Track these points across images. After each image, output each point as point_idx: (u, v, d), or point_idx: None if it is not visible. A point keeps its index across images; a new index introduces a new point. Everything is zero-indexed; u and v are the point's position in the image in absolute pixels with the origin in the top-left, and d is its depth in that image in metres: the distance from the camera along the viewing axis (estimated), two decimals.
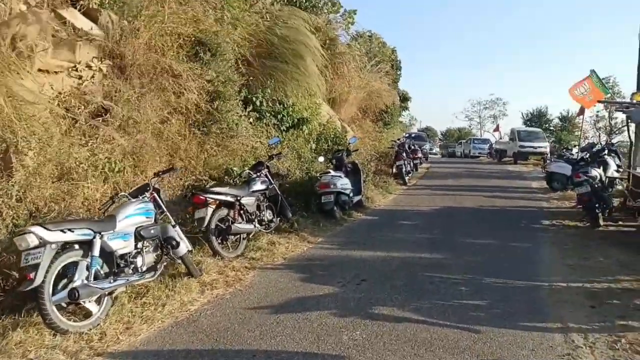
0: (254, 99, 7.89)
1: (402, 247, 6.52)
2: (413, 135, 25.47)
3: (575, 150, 17.65)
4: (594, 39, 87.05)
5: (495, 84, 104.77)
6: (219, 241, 5.70)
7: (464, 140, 41.75)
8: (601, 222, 7.80)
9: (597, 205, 7.81)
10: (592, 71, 12.44)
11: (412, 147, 18.37)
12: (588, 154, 10.99)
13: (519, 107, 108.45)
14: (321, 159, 8.96)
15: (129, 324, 3.88)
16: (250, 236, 6.19)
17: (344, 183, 8.30)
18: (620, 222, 8.16)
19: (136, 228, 4.31)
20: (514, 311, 4.21)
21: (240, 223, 5.88)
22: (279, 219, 6.84)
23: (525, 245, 6.69)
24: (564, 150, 16.29)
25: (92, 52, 6.45)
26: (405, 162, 14.18)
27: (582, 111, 13.60)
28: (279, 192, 6.99)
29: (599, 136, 28.49)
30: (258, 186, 6.38)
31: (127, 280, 4.06)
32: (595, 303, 4.43)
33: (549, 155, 22.52)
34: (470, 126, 62.78)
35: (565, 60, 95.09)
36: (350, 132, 14.57)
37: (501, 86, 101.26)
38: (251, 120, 7.92)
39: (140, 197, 4.65)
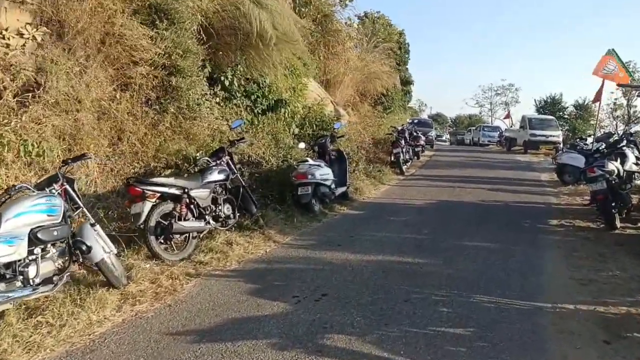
0: (222, 77, 6.91)
1: (382, 249, 5.60)
2: (417, 121, 24.25)
3: (590, 140, 16.47)
4: (612, 26, 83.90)
5: (509, 69, 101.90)
6: (161, 241, 4.83)
7: (474, 128, 40.32)
8: (618, 224, 6.78)
9: (613, 204, 6.78)
10: (612, 50, 11.17)
11: (414, 134, 17.32)
12: (604, 145, 9.90)
13: (532, 94, 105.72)
14: (302, 145, 8.00)
15: (5, 353, 3.02)
16: (203, 235, 5.30)
17: (324, 173, 7.36)
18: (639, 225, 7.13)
19: (31, 229, 3.42)
20: (505, 346, 3.28)
21: (187, 220, 4.98)
22: (240, 214, 5.92)
23: (528, 251, 5.72)
24: (578, 140, 15.09)
25: (25, 17, 5.54)
26: (404, 150, 13.14)
27: (598, 97, 12.38)
28: (243, 184, 6.06)
29: (616, 125, 26.94)
30: (215, 176, 5.46)
31: (8, 296, 3.19)
32: (610, 336, 3.48)
33: (561, 145, 21.31)
34: (480, 113, 61.19)
35: (582, 46, 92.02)
36: (345, 116, 13.58)
37: (513, 72, 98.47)
38: (218, 100, 6.97)
39: (47, 190, 3.76)
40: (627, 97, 25.52)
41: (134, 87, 6.07)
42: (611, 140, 11.55)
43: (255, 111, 7.43)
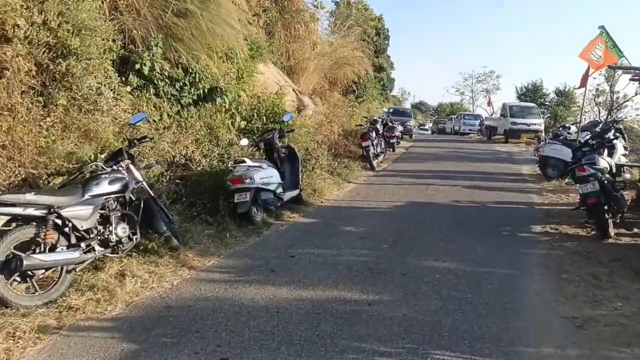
0: (137, 60, 5.57)
1: (325, 276, 4.42)
2: (393, 110, 23.10)
3: (573, 128, 15.56)
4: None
5: (492, 55, 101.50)
6: (17, 280, 3.56)
7: (454, 116, 39.42)
8: (612, 232, 5.73)
9: (606, 207, 5.72)
10: (602, 28, 10.07)
11: (390, 124, 16.19)
12: (590, 135, 8.90)
13: (512, 80, 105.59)
14: (244, 142, 6.74)
15: None
16: (85, 266, 4.03)
17: (266, 175, 6.13)
18: (635, 230, 6.10)
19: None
20: None
21: (54, 250, 3.70)
22: (145, 234, 4.64)
23: (507, 275, 4.61)
24: (561, 128, 14.15)
25: None
26: (375, 142, 11.97)
27: (584, 83, 11.36)
28: (152, 194, 4.78)
29: (599, 112, 26.20)
30: (104, 188, 4.16)
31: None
32: None
33: (543, 133, 20.44)
34: (462, 101, 60.47)
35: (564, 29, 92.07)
36: (310, 106, 12.32)
37: (496, 57, 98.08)
38: (131, 89, 5.64)
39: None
40: (610, 83, 24.72)
41: (9, 72, 4.73)
42: (597, 129, 10.58)
43: (182, 102, 6.10)
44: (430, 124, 51.15)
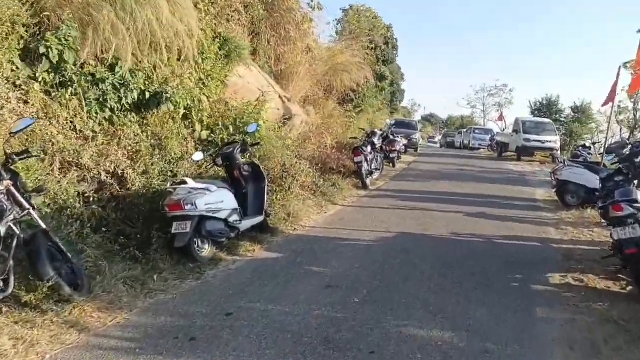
0: (45, 49, 4.38)
1: (258, 353, 3.16)
2: (397, 122, 21.83)
3: (593, 149, 14.19)
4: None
5: (504, 70, 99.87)
6: None
7: (464, 130, 37.98)
8: None
9: None
10: None
11: (391, 137, 14.94)
12: (619, 159, 7.57)
13: (526, 95, 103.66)
14: (198, 156, 5.54)
15: None
16: None
17: (214, 200, 4.90)
18: None
19: None
20: None
21: None
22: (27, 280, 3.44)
23: (514, 355, 3.30)
24: (580, 148, 12.77)
25: None
26: (369, 157, 10.71)
27: (611, 98, 9.99)
28: (43, 226, 3.59)
29: (620, 130, 24.57)
30: None
31: None
32: None
33: (558, 152, 19.02)
34: (472, 114, 59.12)
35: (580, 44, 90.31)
36: (299, 115, 11.13)
37: (510, 73, 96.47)
38: (42, 87, 4.46)
39: None
40: (633, 100, 23.08)
41: None
42: (625, 151, 9.21)
43: (111, 106, 4.87)
44: (440, 137, 49.81)
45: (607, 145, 10.22)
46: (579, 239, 6.75)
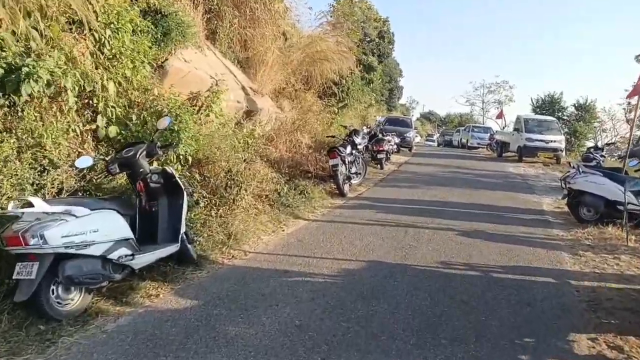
0: None
1: None
2: (389, 119, 20.27)
3: (606, 150, 12.65)
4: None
5: (505, 66, 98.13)
6: None
7: (462, 128, 36.42)
8: None
9: None
10: None
11: (379, 136, 13.43)
12: None
13: (527, 94, 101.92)
14: (85, 161, 3.95)
15: None
16: None
17: (78, 231, 3.30)
18: None
19: None
20: None
21: None
22: None
23: None
24: (592, 150, 11.23)
25: None
26: (348, 160, 9.15)
27: (637, 91, 8.44)
28: None
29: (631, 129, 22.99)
30: None
31: None
32: None
33: (563, 152, 17.49)
34: (471, 112, 57.61)
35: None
36: (267, 109, 9.59)
37: (509, 69, 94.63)
38: None
39: None
40: None
41: None
42: None
43: None
44: (438, 135, 48.38)
45: (631, 149, 8.65)
46: (604, 271, 5.20)
